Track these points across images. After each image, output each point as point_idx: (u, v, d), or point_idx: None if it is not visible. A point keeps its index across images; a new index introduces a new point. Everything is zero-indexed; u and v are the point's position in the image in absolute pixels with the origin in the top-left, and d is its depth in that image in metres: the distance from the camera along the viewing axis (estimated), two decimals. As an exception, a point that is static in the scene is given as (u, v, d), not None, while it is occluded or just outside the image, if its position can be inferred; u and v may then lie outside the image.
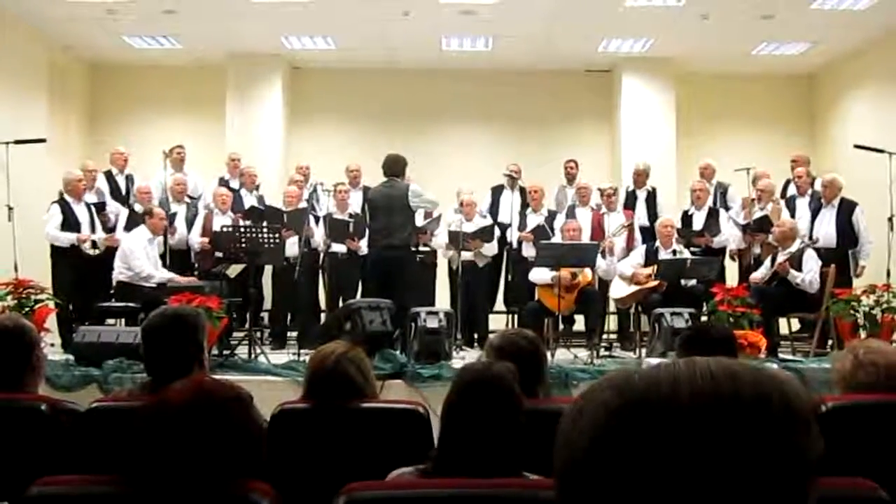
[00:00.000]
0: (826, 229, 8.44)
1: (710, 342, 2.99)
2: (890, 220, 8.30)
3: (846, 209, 8.46)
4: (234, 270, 8.40)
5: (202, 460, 1.81)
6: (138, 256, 7.81)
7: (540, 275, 8.09)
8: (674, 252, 8.24)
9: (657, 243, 8.38)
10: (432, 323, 6.84)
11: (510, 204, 9.30)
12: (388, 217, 7.68)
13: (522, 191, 9.56)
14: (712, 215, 9.05)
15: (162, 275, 7.93)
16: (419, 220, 8.88)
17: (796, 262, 7.77)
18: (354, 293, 8.61)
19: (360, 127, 11.96)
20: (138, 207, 8.82)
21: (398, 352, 6.88)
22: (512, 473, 2.09)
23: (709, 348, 2.82)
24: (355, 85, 12.00)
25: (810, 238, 8.26)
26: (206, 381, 2.02)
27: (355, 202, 9.33)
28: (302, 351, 7.49)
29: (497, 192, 9.55)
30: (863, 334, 7.06)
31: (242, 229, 8.01)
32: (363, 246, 8.55)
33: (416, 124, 11.86)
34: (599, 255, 8.21)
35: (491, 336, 3.23)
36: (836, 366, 3.19)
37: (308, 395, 3.09)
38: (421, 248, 8.70)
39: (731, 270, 9.32)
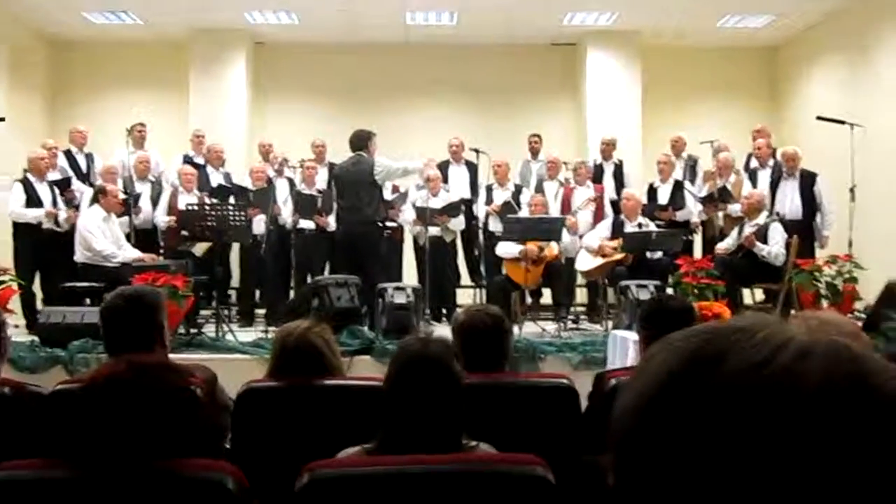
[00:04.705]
0: (790, 202, 8.54)
1: (669, 314, 3.04)
2: (851, 190, 8.40)
3: (807, 180, 8.57)
4: (200, 249, 8.37)
5: (144, 438, 1.82)
6: (96, 235, 7.73)
7: (507, 249, 8.13)
8: (639, 225, 8.30)
9: (623, 216, 8.44)
10: (400, 299, 6.87)
11: (457, 178, 9.47)
12: (354, 193, 7.66)
13: (469, 164, 9.61)
14: (678, 188, 9.12)
15: (126, 253, 7.86)
16: (388, 195, 8.89)
17: (762, 234, 7.85)
18: (322, 270, 8.61)
19: (326, 102, 11.89)
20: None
21: (366, 328, 6.89)
22: (452, 446, 2.12)
23: (668, 320, 2.87)
24: (320, 60, 11.91)
25: (771, 209, 8.35)
26: (141, 359, 2.02)
27: (322, 178, 9.31)
28: (270, 328, 7.48)
29: (443, 167, 9.55)
30: (825, 304, 7.17)
31: (209, 208, 7.97)
32: (331, 222, 8.54)
33: (382, 99, 11.81)
34: (564, 230, 8.25)
35: (456, 312, 3.26)
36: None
37: (274, 371, 3.10)
38: (388, 224, 8.68)
39: (697, 242, 9.41)
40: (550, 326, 7.84)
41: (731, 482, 0.62)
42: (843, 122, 8.65)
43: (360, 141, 7.74)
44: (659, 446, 0.65)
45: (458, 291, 9.32)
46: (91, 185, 9.02)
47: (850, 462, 0.61)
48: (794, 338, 0.66)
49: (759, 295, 8.94)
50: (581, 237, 8.59)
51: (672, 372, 0.66)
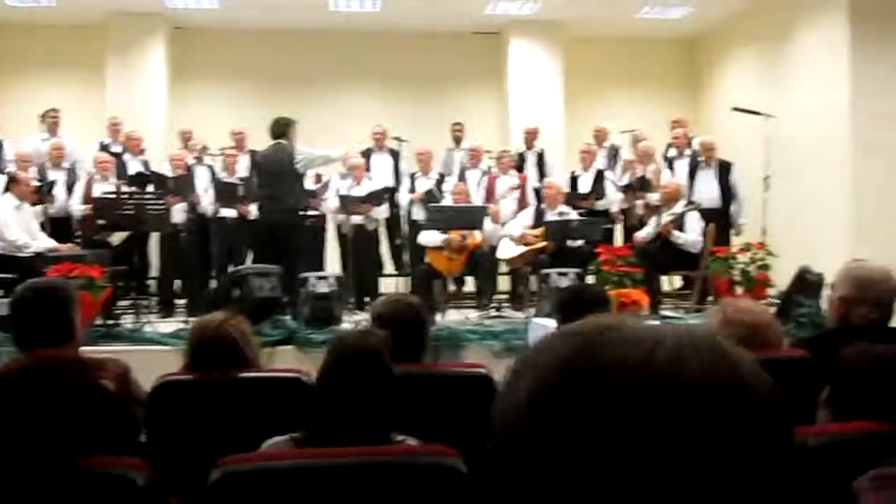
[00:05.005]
0: (709, 190, 8.76)
1: (584, 303, 3.09)
2: (765, 179, 8.62)
3: (724, 169, 8.81)
4: (117, 238, 8.20)
5: (52, 435, 1.79)
6: (8, 224, 7.52)
7: (429, 237, 8.15)
8: (560, 213, 8.39)
9: (544, 204, 8.53)
10: (322, 288, 6.82)
11: (380, 166, 9.48)
12: (275, 181, 7.57)
13: (392, 152, 9.63)
14: (599, 177, 9.24)
15: (40, 243, 7.66)
16: (310, 185, 8.82)
17: (679, 222, 8.01)
18: (244, 259, 8.52)
19: (248, 90, 11.73)
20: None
21: (288, 318, 6.83)
22: (382, 439, 2.13)
23: (584, 309, 2.91)
24: (241, 46, 11.74)
25: (690, 197, 8.54)
26: (50, 354, 1.99)
27: (243, 165, 9.21)
28: (190, 319, 7.37)
29: (366, 155, 9.54)
30: (739, 290, 7.35)
31: (126, 196, 7.81)
32: (253, 210, 8.45)
33: (305, 86, 11.70)
34: (487, 219, 8.31)
35: (374, 302, 3.26)
36: (706, 323, 3.33)
37: (190, 365, 3.06)
38: (310, 213, 8.63)
39: (618, 231, 9.56)
40: (473, 314, 7.88)
41: (609, 479, 0.63)
42: (757, 113, 8.87)
43: (280, 128, 7.64)
44: (536, 447, 0.66)
45: (382, 280, 9.32)
46: (2, 172, 8.76)
47: (725, 454, 0.64)
48: (667, 335, 0.68)
49: (678, 282, 9.14)
50: (503, 225, 8.66)
51: (550, 372, 0.68)
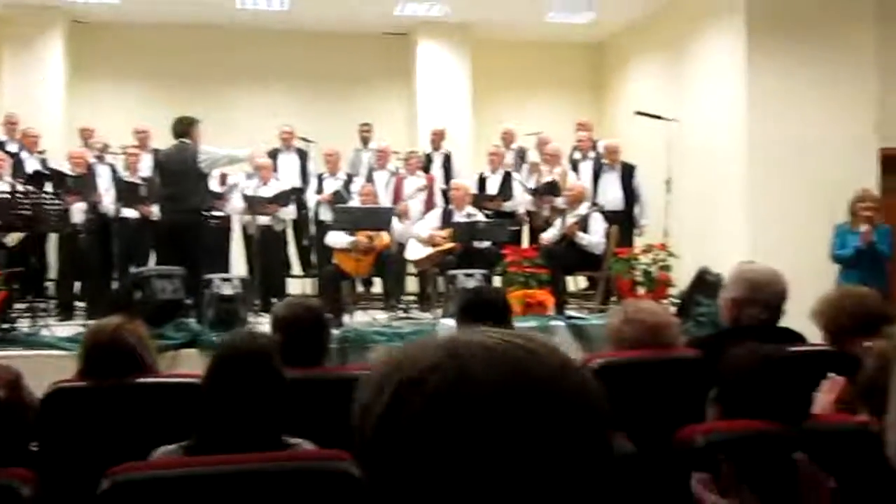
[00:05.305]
0: (612, 192, 8.93)
1: (485, 305, 3.12)
2: (667, 182, 8.83)
3: (627, 172, 9.00)
4: (13, 239, 7.94)
5: None
6: None
7: (337, 238, 8.12)
8: (468, 215, 8.45)
9: (452, 205, 8.58)
10: (226, 290, 6.73)
11: (288, 166, 9.46)
12: (178, 181, 7.41)
13: (299, 152, 9.59)
14: (507, 179, 9.34)
15: (-71, 245, 7.38)
16: (216, 186, 8.68)
17: (583, 224, 8.15)
18: (146, 260, 8.34)
19: (150, 87, 11.47)
20: None
21: (192, 320, 6.72)
22: (273, 444, 2.12)
23: (485, 312, 2.95)
24: (144, 42, 11.47)
25: (594, 199, 8.70)
26: None
27: (146, 165, 9.02)
28: (91, 322, 7.18)
29: (273, 155, 9.47)
30: (641, 290, 7.53)
31: (22, 195, 7.56)
32: (155, 211, 8.28)
33: (210, 85, 11.51)
34: (396, 219, 8.32)
35: (275, 306, 3.23)
36: (608, 322, 3.41)
37: (84, 371, 2.99)
38: (215, 214, 8.49)
39: (526, 232, 9.67)
40: (381, 315, 7.88)
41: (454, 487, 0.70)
42: (659, 117, 9.09)
43: (183, 127, 7.49)
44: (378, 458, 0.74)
45: (289, 281, 9.24)
46: None
47: (564, 459, 0.70)
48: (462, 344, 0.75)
49: (583, 282, 9.30)
50: (413, 225, 8.69)
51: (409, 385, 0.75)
